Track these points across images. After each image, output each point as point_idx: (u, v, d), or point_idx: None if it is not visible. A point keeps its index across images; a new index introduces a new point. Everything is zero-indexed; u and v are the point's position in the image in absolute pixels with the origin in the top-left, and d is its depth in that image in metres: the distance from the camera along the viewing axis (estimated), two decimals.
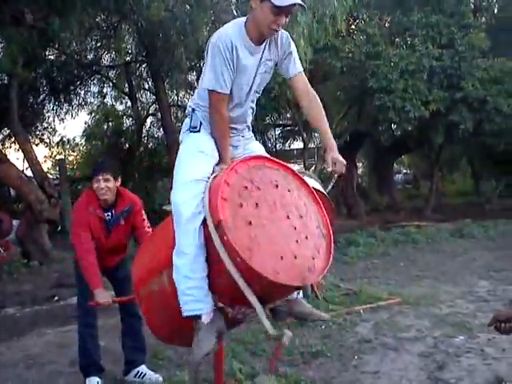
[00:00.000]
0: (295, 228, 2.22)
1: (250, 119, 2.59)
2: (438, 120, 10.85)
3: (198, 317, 2.21)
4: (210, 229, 2.12)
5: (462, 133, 11.05)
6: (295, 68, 2.50)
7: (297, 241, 2.19)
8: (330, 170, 2.47)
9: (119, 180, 3.43)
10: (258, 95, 2.55)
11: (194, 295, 2.19)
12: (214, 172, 2.34)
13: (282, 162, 2.42)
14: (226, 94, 2.34)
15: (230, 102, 2.40)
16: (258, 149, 2.62)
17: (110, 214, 3.42)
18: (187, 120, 2.50)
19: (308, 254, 2.20)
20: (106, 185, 3.32)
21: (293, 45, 2.49)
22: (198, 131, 2.43)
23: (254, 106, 2.58)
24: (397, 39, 11.40)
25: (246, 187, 2.19)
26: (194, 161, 2.34)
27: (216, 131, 2.40)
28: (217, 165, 2.38)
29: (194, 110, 2.47)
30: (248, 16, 2.36)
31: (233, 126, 2.47)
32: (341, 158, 2.47)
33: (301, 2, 2.25)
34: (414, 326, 4.62)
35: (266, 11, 2.22)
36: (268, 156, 2.46)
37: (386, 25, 12.06)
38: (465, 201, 16.97)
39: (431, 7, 10.95)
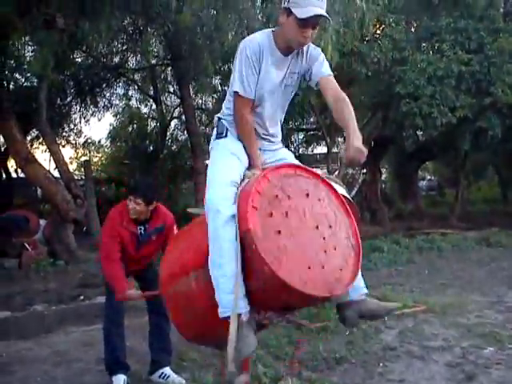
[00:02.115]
0: (324, 238, 2.21)
1: (277, 128, 2.62)
2: (465, 126, 10.66)
3: (238, 315, 2.19)
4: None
5: (490, 139, 10.85)
6: (322, 71, 2.51)
7: (325, 251, 2.19)
8: (340, 154, 2.43)
9: (154, 204, 3.45)
10: (285, 107, 2.60)
11: (235, 293, 2.16)
12: (245, 177, 2.36)
13: (314, 170, 2.41)
14: (249, 98, 2.40)
15: (255, 107, 2.46)
16: (287, 156, 2.63)
17: (142, 228, 3.47)
18: (215, 129, 2.57)
19: (336, 265, 2.19)
20: (135, 207, 3.39)
21: (322, 54, 2.52)
22: (225, 136, 2.49)
23: (281, 116, 2.62)
24: (424, 44, 11.26)
25: (277, 196, 2.19)
26: (227, 162, 2.39)
27: (242, 135, 2.46)
28: (248, 169, 2.40)
29: (219, 118, 2.55)
30: (277, 29, 2.44)
31: (258, 129, 2.51)
32: (360, 146, 2.21)
33: (324, 13, 2.28)
34: (440, 335, 4.54)
35: (292, 25, 2.30)
36: (299, 164, 2.46)
37: (413, 30, 11.92)
38: (491, 209, 16.64)
39: (460, 12, 10.79)
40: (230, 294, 2.17)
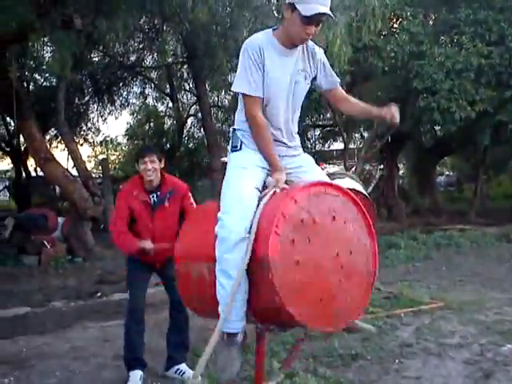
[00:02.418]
0: (342, 267, 2.23)
1: (293, 130, 2.56)
2: (484, 120, 10.48)
3: (234, 334, 2.27)
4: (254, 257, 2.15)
5: (510, 133, 10.65)
6: (332, 81, 2.59)
7: (340, 280, 2.22)
8: (388, 117, 2.61)
9: (163, 161, 3.53)
10: (297, 108, 2.56)
11: (237, 315, 2.23)
12: (268, 185, 2.33)
13: (343, 188, 2.37)
14: (258, 96, 2.37)
15: (265, 108, 2.42)
16: (308, 162, 2.59)
17: (154, 195, 3.50)
18: (230, 142, 2.54)
19: (347, 295, 2.24)
20: (153, 166, 3.43)
21: (326, 59, 2.57)
22: (240, 149, 2.45)
23: (295, 117, 2.57)
24: (442, 37, 11.08)
25: (302, 220, 2.16)
26: (238, 179, 2.35)
27: (256, 137, 2.41)
28: (270, 175, 2.37)
29: (234, 130, 2.52)
30: (278, 27, 2.45)
31: (273, 132, 2.45)
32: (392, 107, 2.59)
33: (328, 12, 2.29)
34: (457, 332, 4.48)
35: (296, 21, 2.30)
36: (328, 181, 2.43)
37: (431, 23, 11.75)
38: None
39: (479, 3, 10.58)
40: (233, 315, 2.23)
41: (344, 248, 2.24)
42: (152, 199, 3.49)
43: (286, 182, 2.41)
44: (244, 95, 2.39)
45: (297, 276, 2.10)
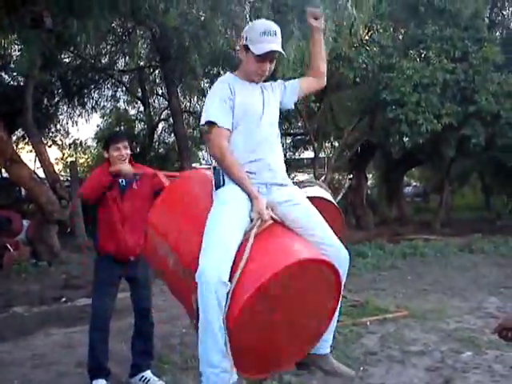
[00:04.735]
0: (294, 331, 2.33)
1: (274, 157, 2.56)
2: (449, 133, 10.82)
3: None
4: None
5: (474, 147, 11.01)
6: (293, 82, 2.75)
7: (284, 343, 2.32)
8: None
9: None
10: (275, 133, 2.60)
11: (222, 367, 2.20)
12: (251, 220, 2.32)
13: (328, 260, 2.33)
14: (224, 127, 2.40)
15: (244, 139, 2.46)
16: (298, 198, 2.55)
17: (123, 180, 3.44)
18: (214, 181, 2.51)
19: (285, 357, 2.39)
20: (126, 152, 3.41)
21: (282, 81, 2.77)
22: (223, 185, 2.43)
23: (275, 145, 2.58)
24: (411, 52, 11.40)
25: (273, 295, 2.18)
26: (219, 216, 2.32)
27: (224, 168, 2.40)
28: (252, 210, 2.35)
29: (215, 168, 2.49)
30: (238, 68, 2.60)
31: (259, 167, 2.47)
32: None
33: (278, 49, 2.46)
34: (420, 340, 4.58)
35: (251, 60, 2.47)
36: (320, 257, 2.34)
37: (400, 37, 12.06)
38: (475, 216, 16.84)
39: (446, 20, 10.96)
40: (218, 368, 2.22)
41: (301, 316, 2.31)
42: (121, 183, 3.44)
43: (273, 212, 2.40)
44: (210, 126, 2.42)
45: (250, 342, 2.22)
